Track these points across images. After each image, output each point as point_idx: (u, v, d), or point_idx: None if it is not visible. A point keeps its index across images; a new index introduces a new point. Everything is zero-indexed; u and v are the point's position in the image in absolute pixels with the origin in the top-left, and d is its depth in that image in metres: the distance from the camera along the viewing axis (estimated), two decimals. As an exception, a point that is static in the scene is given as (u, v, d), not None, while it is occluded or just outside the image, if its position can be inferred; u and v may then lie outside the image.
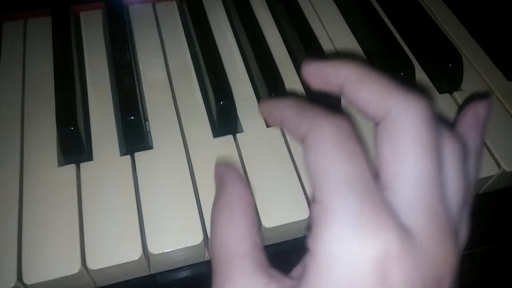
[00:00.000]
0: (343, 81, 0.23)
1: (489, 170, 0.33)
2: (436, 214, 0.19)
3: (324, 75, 0.24)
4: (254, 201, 0.28)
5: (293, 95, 0.33)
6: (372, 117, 0.22)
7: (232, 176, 0.25)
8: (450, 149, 0.21)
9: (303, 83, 0.39)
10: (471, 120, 0.25)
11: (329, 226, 0.18)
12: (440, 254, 0.19)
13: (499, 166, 0.34)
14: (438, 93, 0.38)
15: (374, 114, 0.21)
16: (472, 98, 0.38)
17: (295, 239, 0.33)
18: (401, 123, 0.20)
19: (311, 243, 0.19)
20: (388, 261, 0.18)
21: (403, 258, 0.18)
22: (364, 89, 0.22)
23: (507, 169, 0.33)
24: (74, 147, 0.33)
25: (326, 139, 0.20)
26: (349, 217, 0.18)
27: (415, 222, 0.19)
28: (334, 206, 0.19)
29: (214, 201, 0.25)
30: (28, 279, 0.28)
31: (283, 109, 0.25)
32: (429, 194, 0.19)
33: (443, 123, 0.22)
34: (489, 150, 0.34)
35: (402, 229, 0.18)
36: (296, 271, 0.22)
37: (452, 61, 0.38)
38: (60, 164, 0.33)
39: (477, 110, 0.25)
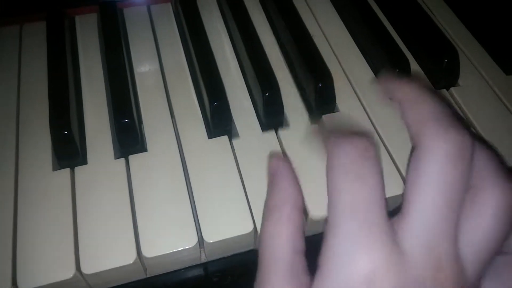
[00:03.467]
0: (400, 99, 0.25)
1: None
2: (435, 249, 0.20)
3: (392, 88, 0.26)
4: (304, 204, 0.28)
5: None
6: (412, 141, 0.23)
7: (288, 173, 0.26)
8: (492, 201, 0.21)
9: (296, 83, 0.38)
10: None
11: (331, 243, 0.21)
12: (432, 285, 0.20)
13: (497, 162, 0.33)
14: (435, 89, 0.38)
15: (412, 139, 0.23)
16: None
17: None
18: (427, 156, 0.21)
19: (319, 256, 0.21)
20: (375, 278, 0.20)
21: (389, 279, 0.20)
22: (410, 112, 0.23)
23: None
24: (68, 151, 0.33)
25: (339, 162, 0.22)
26: (348, 236, 0.20)
27: (411, 250, 0.20)
28: (336, 226, 0.21)
29: (267, 196, 0.26)
30: (23, 284, 0.27)
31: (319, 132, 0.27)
32: (434, 230, 0.20)
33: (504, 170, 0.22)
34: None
35: (394, 253, 0.20)
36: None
37: (448, 56, 0.37)
38: (55, 168, 0.33)
39: None
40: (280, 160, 0.27)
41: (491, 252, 0.21)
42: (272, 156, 0.29)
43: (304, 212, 0.29)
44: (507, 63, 0.39)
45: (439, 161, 0.21)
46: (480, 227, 0.21)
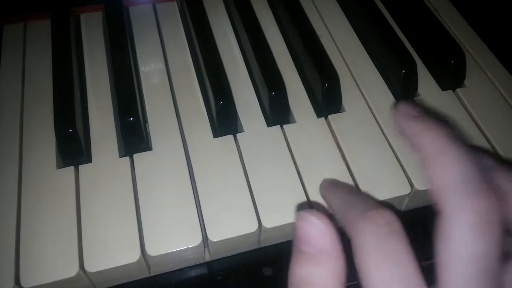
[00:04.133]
0: (421, 151, 0.23)
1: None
2: None
3: (409, 132, 0.24)
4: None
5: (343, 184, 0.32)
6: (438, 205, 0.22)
7: (341, 250, 0.23)
8: None
9: (303, 82, 0.38)
10: None
11: None
12: None
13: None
14: (441, 90, 0.38)
15: (436, 199, 0.21)
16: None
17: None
18: (451, 226, 0.20)
19: None
20: None
21: None
22: (432, 171, 0.22)
23: None
24: (73, 149, 0.33)
25: (368, 246, 0.21)
26: None
27: None
28: None
29: (303, 270, 0.22)
30: (26, 283, 0.27)
31: (333, 198, 0.26)
32: None
33: None
34: (491, 145, 0.34)
35: None
36: None
37: (455, 57, 0.37)
38: (59, 166, 0.33)
39: None
40: (327, 226, 0.23)
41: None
42: (308, 216, 0.23)
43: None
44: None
45: (465, 233, 0.20)
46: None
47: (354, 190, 0.28)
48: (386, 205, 0.31)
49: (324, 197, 0.30)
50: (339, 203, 0.25)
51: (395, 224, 0.21)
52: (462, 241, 0.20)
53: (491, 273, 0.20)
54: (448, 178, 0.21)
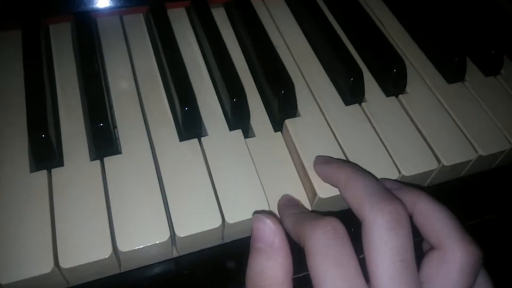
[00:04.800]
0: (337, 184, 0.30)
1: (429, 164, 0.37)
2: None
3: (327, 173, 0.33)
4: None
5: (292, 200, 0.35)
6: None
7: (287, 244, 0.27)
8: (457, 258, 0.26)
9: (260, 90, 0.41)
10: None
11: None
12: None
13: (438, 160, 0.37)
14: (385, 96, 0.42)
15: (356, 215, 0.27)
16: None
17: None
18: (371, 228, 0.26)
19: None
20: None
21: None
22: (347, 192, 0.28)
23: (446, 163, 0.37)
24: (45, 153, 0.34)
25: (317, 250, 0.25)
26: None
27: None
28: None
29: (258, 265, 0.26)
30: (3, 279, 0.29)
31: (284, 218, 0.31)
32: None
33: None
34: (430, 146, 0.38)
35: None
36: None
37: (397, 67, 0.41)
38: (32, 170, 0.34)
39: None
40: (275, 224, 0.27)
41: None
42: (261, 217, 0.27)
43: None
44: (448, 73, 0.43)
45: (381, 231, 0.25)
46: (447, 282, 0.25)
47: (302, 208, 0.33)
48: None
49: (280, 217, 0.33)
50: (291, 222, 0.29)
51: (340, 230, 0.26)
52: (381, 239, 0.25)
53: (408, 261, 0.25)
54: (359, 195, 0.27)
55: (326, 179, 0.33)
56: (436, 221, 0.27)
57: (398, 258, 0.25)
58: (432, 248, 0.27)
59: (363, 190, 0.27)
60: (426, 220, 0.28)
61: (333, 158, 0.35)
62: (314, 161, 0.35)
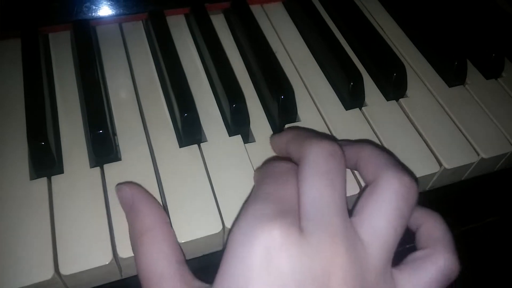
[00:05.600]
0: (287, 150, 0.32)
1: (431, 167, 0.37)
2: (329, 223, 0.24)
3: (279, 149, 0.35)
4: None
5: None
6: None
7: (145, 198, 0.30)
8: (389, 187, 0.26)
9: (260, 95, 0.41)
10: None
11: (238, 222, 0.25)
12: (327, 252, 0.24)
13: (440, 164, 0.37)
14: (386, 100, 0.42)
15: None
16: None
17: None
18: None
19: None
20: (272, 248, 0.23)
21: (287, 248, 0.23)
22: (368, 161, 0.29)
23: (447, 166, 0.37)
24: (45, 161, 0.34)
25: (310, 162, 0.27)
26: (253, 217, 0.25)
27: (308, 226, 0.24)
28: (248, 208, 0.25)
29: (131, 225, 0.29)
30: (3, 286, 0.29)
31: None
32: (327, 210, 0.25)
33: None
34: (431, 150, 0.38)
35: (290, 227, 0.24)
36: None
37: (397, 71, 0.41)
38: (32, 177, 0.34)
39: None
40: (131, 187, 0.31)
41: (392, 238, 0.25)
42: (120, 186, 0.32)
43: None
44: (449, 76, 0.43)
45: (316, 158, 0.27)
46: (380, 213, 0.25)
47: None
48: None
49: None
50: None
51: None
52: (315, 163, 0.27)
53: (336, 186, 0.26)
54: (302, 139, 0.30)
55: (278, 152, 0.35)
56: (375, 160, 0.28)
57: (327, 178, 0.26)
58: None
59: (306, 137, 0.29)
60: (366, 162, 0.28)
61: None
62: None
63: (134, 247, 0.28)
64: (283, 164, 0.29)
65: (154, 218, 0.28)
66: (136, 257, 0.28)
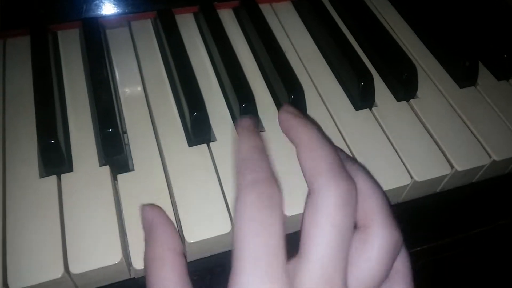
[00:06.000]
0: (296, 142, 0.30)
1: (442, 169, 0.36)
2: (328, 284, 0.24)
3: (289, 125, 0.31)
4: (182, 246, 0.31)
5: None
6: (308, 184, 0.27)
7: (163, 224, 0.30)
8: (378, 240, 0.25)
9: (271, 94, 0.41)
10: None
11: (237, 282, 0.24)
12: None
13: (451, 166, 0.37)
14: (396, 101, 0.41)
15: (307, 182, 0.27)
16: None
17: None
18: (321, 202, 0.25)
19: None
20: None
21: None
22: (305, 157, 0.28)
23: (459, 168, 0.36)
24: (55, 159, 0.34)
25: (244, 210, 0.25)
26: (252, 283, 0.23)
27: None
28: (241, 273, 0.24)
29: (146, 247, 0.29)
30: (13, 284, 0.29)
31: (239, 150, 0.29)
32: (329, 267, 0.24)
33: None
34: (442, 151, 0.38)
35: None
36: None
37: (407, 71, 0.41)
38: (42, 175, 0.34)
39: None
40: (152, 211, 0.31)
41: (376, 283, 0.25)
42: (143, 206, 0.31)
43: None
44: (460, 77, 0.43)
45: (331, 207, 0.25)
46: (367, 262, 0.25)
47: (259, 148, 0.29)
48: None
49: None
50: (239, 159, 0.29)
51: (276, 198, 0.26)
52: (328, 214, 0.25)
53: (347, 243, 0.25)
54: (318, 163, 0.27)
55: (286, 131, 0.32)
56: (367, 200, 0.27)
57: (339, 237, 0.24)
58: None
59: (323, 160, 0.27)
60: (358, 197, 0.27)
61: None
62: (284, 107, 0.33)
63: (146, 269, 0.29)
64: (260, 192, 0.26)
65: (167, 247, 0.28)
66: (146, 279, 0.28)
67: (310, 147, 0.28)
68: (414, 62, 0.43)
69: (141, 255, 0.30)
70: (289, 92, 0.38)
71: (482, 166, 0.37)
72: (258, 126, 0.31)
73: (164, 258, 0.28)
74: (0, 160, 0.35)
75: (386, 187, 0.35)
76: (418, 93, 0.42)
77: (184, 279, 0.27)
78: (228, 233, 0.32)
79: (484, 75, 0.44)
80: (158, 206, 0.32)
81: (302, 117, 0.31)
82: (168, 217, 0.30)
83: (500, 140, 0.39)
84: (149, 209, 0.31)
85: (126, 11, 0.46)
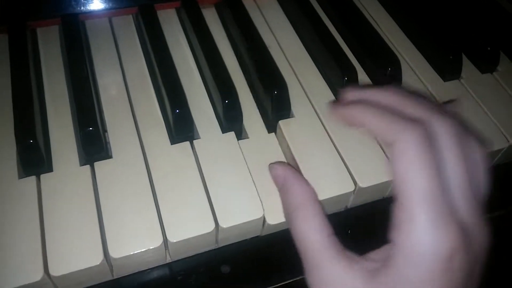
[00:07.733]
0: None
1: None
2: (478, 206, 0.26)
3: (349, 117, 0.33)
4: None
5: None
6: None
7: (296, 175, 0.32)
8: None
9: (253, 91, 0.41)
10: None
11: (414, 228, 0.24)
12: (480, 237, 0.26)
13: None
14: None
15: (386, 141, 0.28)
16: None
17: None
18: (401, 147, 0.26)
19: (397, 236, 0.25)
20: (453, 253, 0.24)
21: (463, 249, 0.24)
22: (375, 122, 0.29)
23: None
24: (34, 159, 0.34)
25: (410, 153, 0.25)
26: (429, 223, 0.24)
27: (467, 218, 0.25)
28: (417, 214, 0.24)
29: (283, 201, 0.31)
30: (-8, 287, 0.28)
31: (362, 112, 0.31)
32: (468, 192, 0.26)
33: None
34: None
35: (463, 229, 0.25)
36: (376, 254, 0.27)
37: (391, 64, 0.41)
38: (21, 176, 0.34)
39: None
40: (284, 166, 0.33)
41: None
42: (273, 164, 0.34)
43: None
44: (444, 70, 0.43)
45: (413, 149, 0.25)
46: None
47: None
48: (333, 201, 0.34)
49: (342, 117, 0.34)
50: (374, 118, 0.29)
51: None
52: (414, 155, 0.25)
53: (439, 178, 0.25)
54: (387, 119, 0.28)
55: (348, 122, 0.33)
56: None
57: (431, 173, 0.25)
58: None
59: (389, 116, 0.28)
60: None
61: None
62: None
63: (288, 221, 0.30)
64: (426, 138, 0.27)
65: (305, 195, 0.30)
66: (291, 230, 0.30)
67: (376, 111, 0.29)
68: (398, 55, 0.43)
69: (121, 253, 0.30)
70: (273, 88, 0.38)
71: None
72: None
73: (304, 205, 0.29)
74: (-22, 161, 0.34)
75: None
76: (402, 86, 0.42)
77: (325, 222, 0.28)
78: (211, 232, 0.32)
79: (468, 69, 0.44)
80: (285, 162, 0.35)
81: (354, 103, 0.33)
82: (296, 171, 0.33)
83: (484, 133, 0.39)
84: (278, 166, 0.33)
85: (107, 7, 0.46)
